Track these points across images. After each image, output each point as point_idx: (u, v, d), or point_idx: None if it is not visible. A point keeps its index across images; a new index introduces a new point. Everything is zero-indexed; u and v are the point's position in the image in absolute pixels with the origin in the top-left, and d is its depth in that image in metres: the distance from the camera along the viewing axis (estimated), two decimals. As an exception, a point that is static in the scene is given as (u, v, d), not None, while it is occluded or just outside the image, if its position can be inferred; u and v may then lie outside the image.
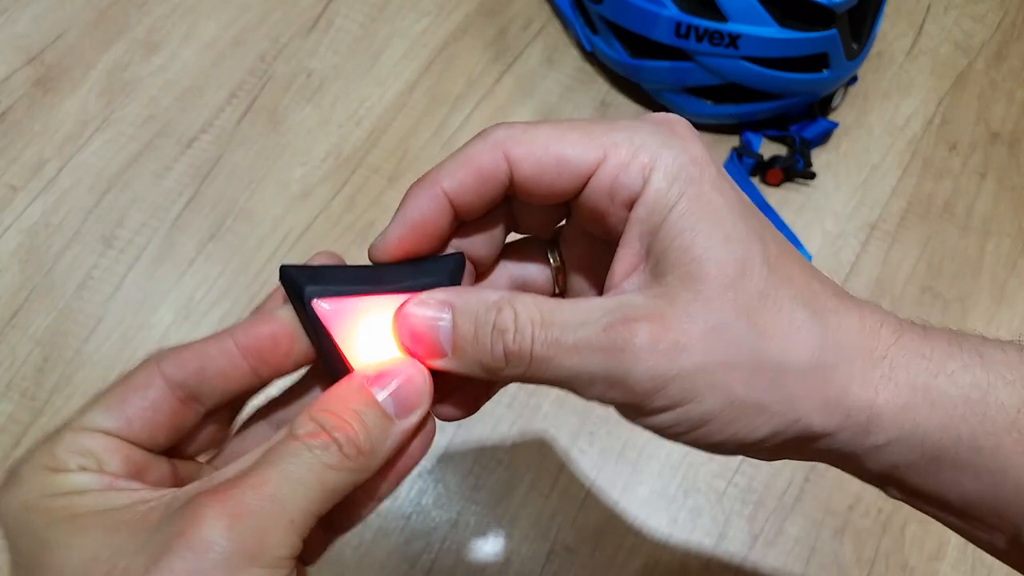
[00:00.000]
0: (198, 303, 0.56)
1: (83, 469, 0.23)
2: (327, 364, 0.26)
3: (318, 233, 0.58)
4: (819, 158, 0.64)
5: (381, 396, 0.24)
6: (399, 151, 0.61)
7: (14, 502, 0.22)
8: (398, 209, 0.26)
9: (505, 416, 0.54)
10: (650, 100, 0.64)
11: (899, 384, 0.24)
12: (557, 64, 0.65)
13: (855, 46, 0.58)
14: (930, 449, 0.24)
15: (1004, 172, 0.65)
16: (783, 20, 0.55)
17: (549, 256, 0.30)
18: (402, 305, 0.25)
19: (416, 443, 0.26)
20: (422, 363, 0.25)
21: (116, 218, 0.58)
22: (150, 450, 0.25)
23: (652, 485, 0.53)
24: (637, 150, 0.24)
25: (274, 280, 0.58)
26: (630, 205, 0.24)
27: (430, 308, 0.25)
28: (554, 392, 0.55)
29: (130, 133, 0.60)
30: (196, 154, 0.60)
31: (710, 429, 0.24)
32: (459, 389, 0.28)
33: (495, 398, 0.56)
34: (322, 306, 0.25)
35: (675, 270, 0.23)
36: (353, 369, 0.25)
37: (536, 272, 0.30)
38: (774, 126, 0.64)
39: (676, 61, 0.58)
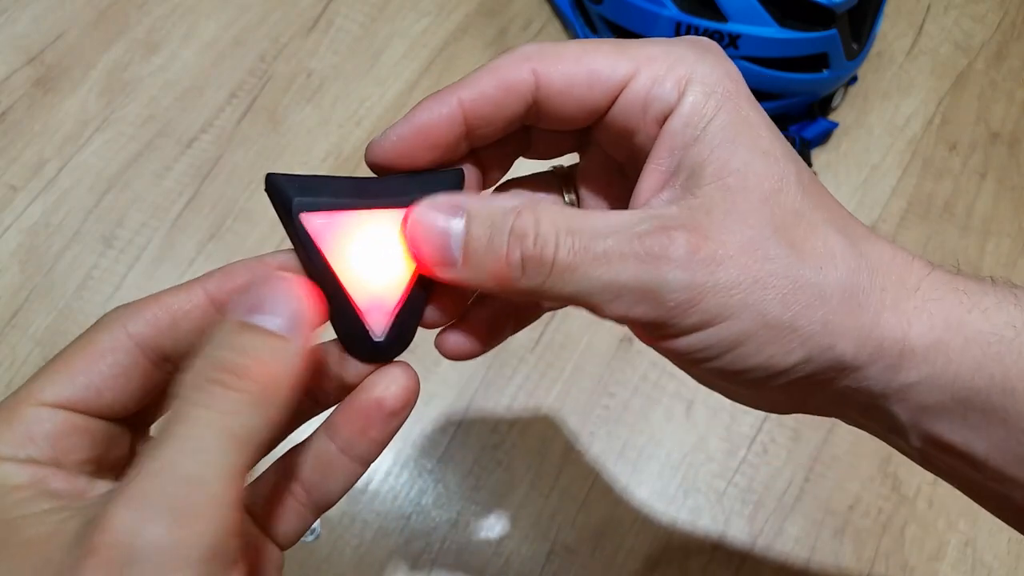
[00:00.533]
0: (198, 303, 0.56)
1: (28, 461, 0.21)
2: (324, 289, 0.24)
3: (318, 233, 0.58)
4: (819, 158, 0.64)
5: (261, 319, 0.20)
6: (399, 151, 0.61)
7: None
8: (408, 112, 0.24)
9: (505, 416, 0.54)
10: (650, 100, 0.64)
11: (932, 316, 0.23)
12: (557, 64, 0.65)
13: (855, 46, 0.58)
14: (961, 390, 0.23)
15: (1004, 172, 0.65)
16: (783, 20, 0.55)
17: (564, 193, 0.28)
18: (411, 208, 0.23)
19: (390, 399, 0.24)
20: (431, 274, 0.23)
21: (116, 218, 0.58)
22: (119, 418, 0.23)
23: (652, 485, 0.53)
24: (673, 63, 0.23)
25: (274, 280, 0.57)
26: (663, 120, 0.23)
27: (442, 211, 0.23)
28: (555, 392, 0.55)
29: (130, 133, 0.60)
30: (196, 154, 0.60)
31: (743, 351, 0.22)
32: (471, 317, 0.26)
33: (495, 399, 0.56)
34: (312, 220, 0.23)
35: (712, 182, 0.22)
36: (346, 289, 0.23)
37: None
38: (774, 126, 0.64)
39: (676, 61, 0.58)
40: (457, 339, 0.26)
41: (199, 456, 0.18)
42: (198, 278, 0.24)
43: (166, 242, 0.57)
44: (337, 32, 0.65)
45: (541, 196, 0.28)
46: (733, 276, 0.22)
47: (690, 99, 0.23)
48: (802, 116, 0.64)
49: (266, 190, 0.24)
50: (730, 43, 0.55)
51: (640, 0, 0.56)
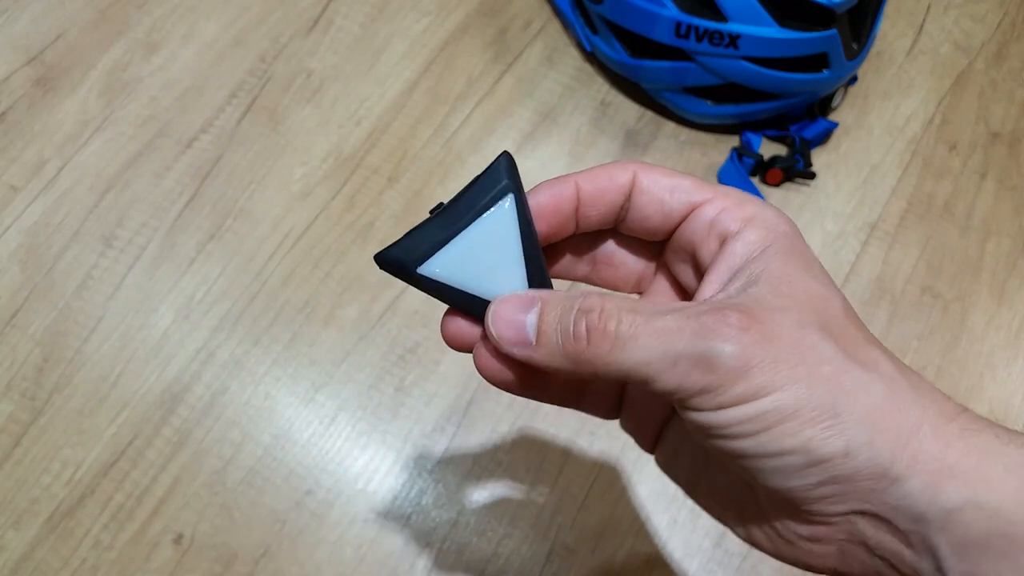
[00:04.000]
0: (198, 303, 0.56)
1: None
2: (466, 308, 0.28)
3: (318, 233, 0.58)
4: (819, 158, 0.64)
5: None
6: (399, 151, 0.61)
7: None
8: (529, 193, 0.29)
9: (505, 416, 0.54)
10: (650, 100, 0.64)
11: (970, 445, 0.23)
12: (557, 64, 0.65)
13: (855, 46, 0.58)
14: (1005, 524, 0.23)
15: (1004, 172, 0.65)
16: (783, 20, 0.55)
17: None
18: (491, 304, 0.27)
19: None
20: (509, 355, 0.27)
21: (116, 218, 0.58)
22: None
23: (652, 485, 0.53)
24: (743, 203, 0.27)
25: (274, 279, 0.58)
26: (724, 240, 0.27)
27: (520, 305, 0.27)
28: (554, 392, 0.55)
29: (130, 133, 0.60)
30: (196, 154, 0.60)
31: (784, 429, 0.23)
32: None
33: (495, 399, 0.56)
34: (428, 268, 0.27)
35: (765, 286, 0.25)
36: (487, 299, 0.28)
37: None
38: (774, 126, 0.64)
39: (676, 61, 0.58)
40: (491, 362, 0.29)
41: None
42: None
43: (166, 242, 0.57)
44: (337, 32, 0.65)
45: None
46: (782, 352, 0.23)
47: (751, 230, 0.27)
48: (802, 116, 0.64)
49: (381, 267, 0.28)
50: (730, 43, 0.55)
51: (640, 0, 0.56)
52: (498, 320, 0.27)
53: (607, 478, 0.53)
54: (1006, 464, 0.23)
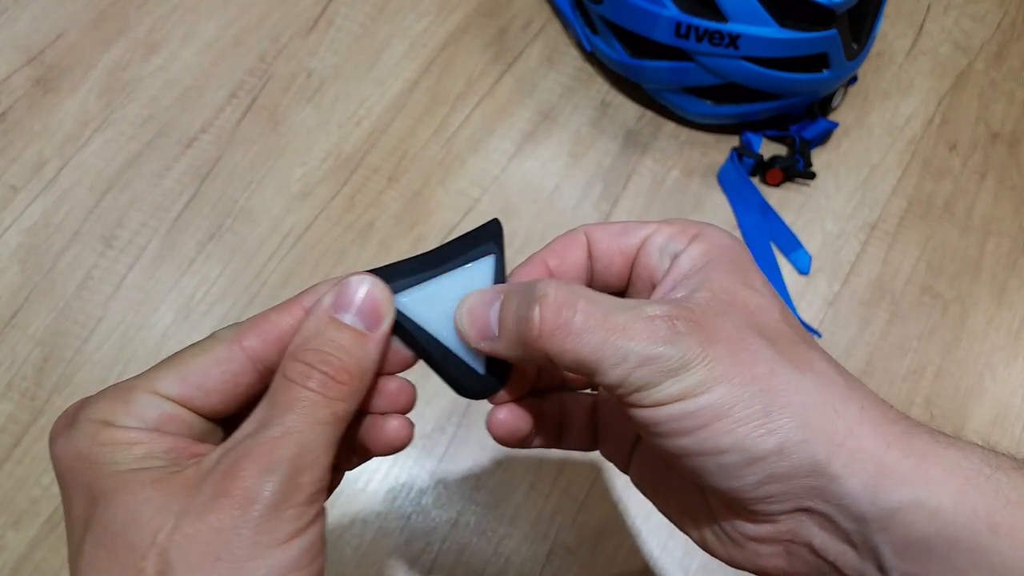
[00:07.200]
0: (198, 303, 0.56)
1: (138, 429, 0.24)
2: (418, 347, 0.28)
3: (318, 233, 0.58)
4: (819, 158, 0.64)
5: (349, 318, 0.25)
6: (399, 151, 0.61)
7: (69, 447, 0.24)
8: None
9: (505, 416, 0.54)
10: (650, 100, 0.64)
11: (911, 445, 0.24)
12: (557, 64, 0.65)
13: (855, 46, 0.58)
14: (946, 525, 0.23)
15: (1004, 172, 0.65)
16: (783, 20, 0.55)
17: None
18: (460, 301, 0.28)
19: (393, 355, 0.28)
20: (479, 350, 0.28)
21: (116, 218, 0.58)
22: (220, 418, 0.27)
23: (652, 485, 0.53)
24: (688, 225, 0.29)
25: (274, 279, 0.58)
26: (675, 257, 0.29)
27: (486, 295, 0.27)
28: (554, 392, 0.55)
29: (130, 133, 0.60)
30: (196, 154, 0.60)
31: (719, 427, 0.24)
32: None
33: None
34: (400, 300, 0.28)
35: (706, 296, 0.26)
36: (443, 343, 0.28)
37: (574, 415, 0.34)
38: (774, 126, 0.64)
39: (676, 61, 0.58)
40: (505, 416, 0.31)
41: (311, 428, 0.24)
42: (296, 297, 0.27)
43: (166, 242, 0.57)
44: (337, 32, 0.65)
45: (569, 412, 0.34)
46: (719, 353, 0.24)
47: (696, 245, 0.28)
48: (802, 116, 0.64)
49: None
50: (730, 43, 0.55)
51: (640, 0, 0.56)
52: (465, 316, 0.28)
53: (607, 478, 0.53)
54: (945, 465, 0.24)
